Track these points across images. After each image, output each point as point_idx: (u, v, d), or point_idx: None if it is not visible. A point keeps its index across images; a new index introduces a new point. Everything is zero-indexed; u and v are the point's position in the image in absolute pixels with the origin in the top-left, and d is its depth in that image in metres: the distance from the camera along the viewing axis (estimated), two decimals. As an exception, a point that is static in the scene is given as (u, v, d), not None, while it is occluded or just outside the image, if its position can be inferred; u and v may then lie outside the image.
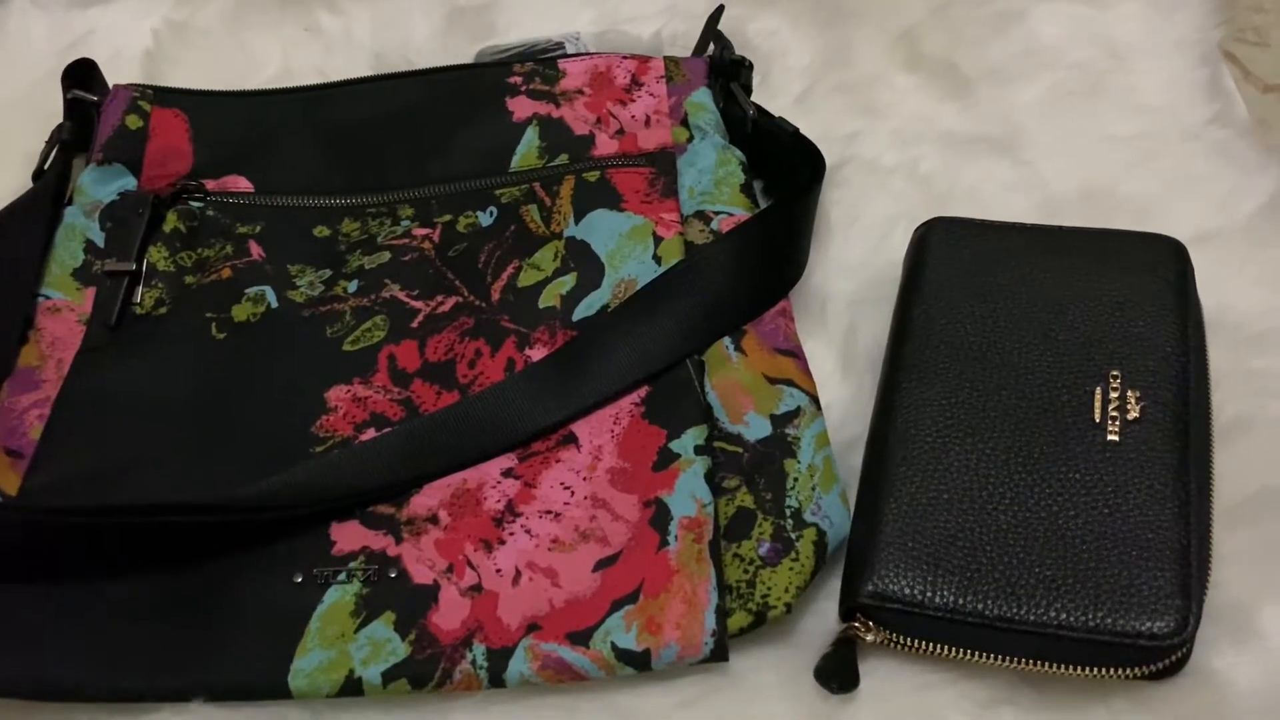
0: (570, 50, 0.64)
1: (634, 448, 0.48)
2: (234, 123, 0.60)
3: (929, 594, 0.42)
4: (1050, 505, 0.43)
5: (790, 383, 0.49)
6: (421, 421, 0.49)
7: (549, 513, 0.47)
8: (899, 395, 0.47)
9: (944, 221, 0.52)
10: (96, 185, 0.57)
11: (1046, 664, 0.42)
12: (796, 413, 0.48)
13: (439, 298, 0.53)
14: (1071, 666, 0.42)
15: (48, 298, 0.54)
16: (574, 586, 0.45)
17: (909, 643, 0.43)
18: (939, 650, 0.43)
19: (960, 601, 0.42)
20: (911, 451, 0.45)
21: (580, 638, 0.43)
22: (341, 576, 0.45)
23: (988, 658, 0.42)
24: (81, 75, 0.61)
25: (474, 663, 0.43)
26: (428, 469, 0.48)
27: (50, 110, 0.61)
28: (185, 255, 0.56)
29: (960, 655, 0.43)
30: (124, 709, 0.44)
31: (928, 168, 0.60)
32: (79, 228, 0.56)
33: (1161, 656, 0.41)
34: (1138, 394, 0.45)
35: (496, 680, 0.43)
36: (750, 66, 0.60)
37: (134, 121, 0.59)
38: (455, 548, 0.46)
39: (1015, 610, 0.41)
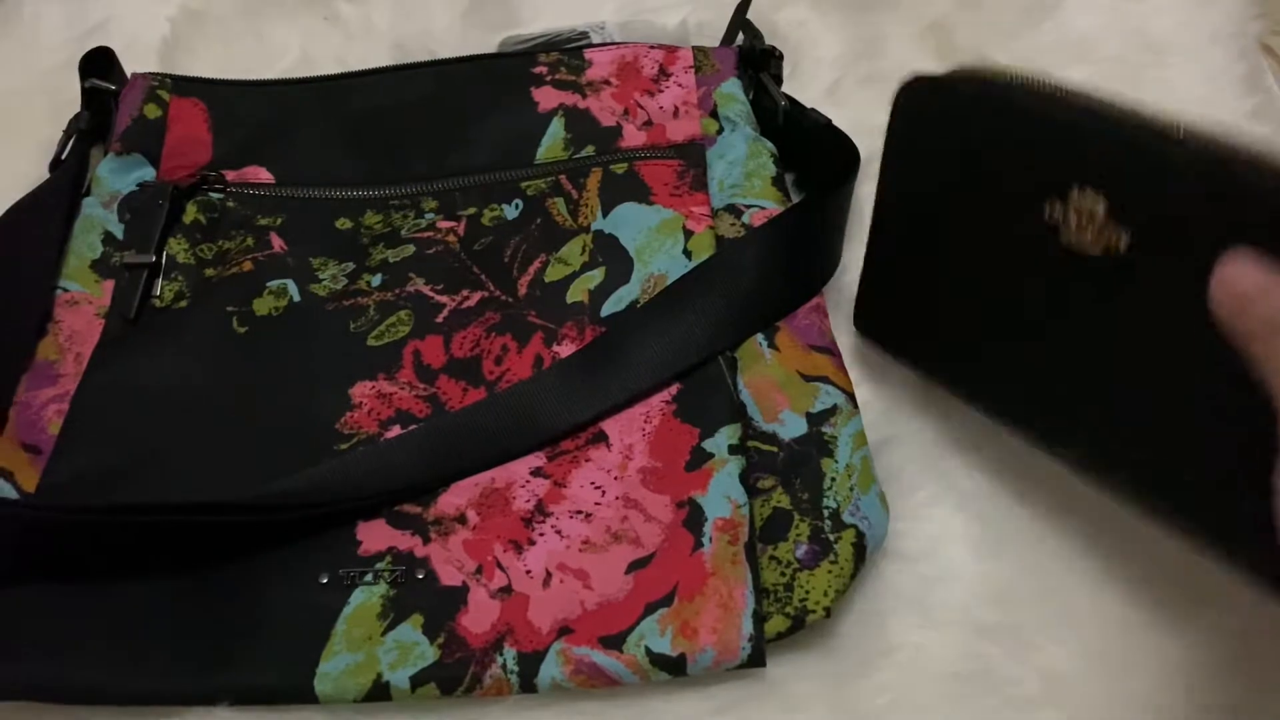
0: (595, 40, 0.63)
1: (666, 447, 0.47)
2: (254, 113, 0.59)
3: None
4: None
5: (826, 380, 0.48)
6: (448, 419, 0.48)
7: (580, 513, 0.45)
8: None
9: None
10: (115, 176, 0.56)
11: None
12: (833, 410, 0.47)
13: (464, 292, 0.52)
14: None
15: (66, 290, 0.52)
16: (606, 589, 0.44)
17: None
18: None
19: None
20: None
21: (613, 641, 0.42)
22: (368, 577, 0.44)
23: None
24: (99, 64, 0.60)
25: (505, 667, 0.42)
26: (455, 467, 0.47)
27: (67, 99, 0.59)
28: (205, 247, 0.55)
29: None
30: (148, 712, 0.43)
31: (961, 161, 0.58)
32: (97, 219, 0.55)
33: None
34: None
35: (528, 685, 0.42)
36: (781, 57, 0.59)
37: (152, 111, 0.58)
38: (484, 548, 0.45)
39: None
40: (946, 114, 0.42)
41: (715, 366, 0.48)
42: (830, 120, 0.56)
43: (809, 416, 0.47)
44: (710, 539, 0.44)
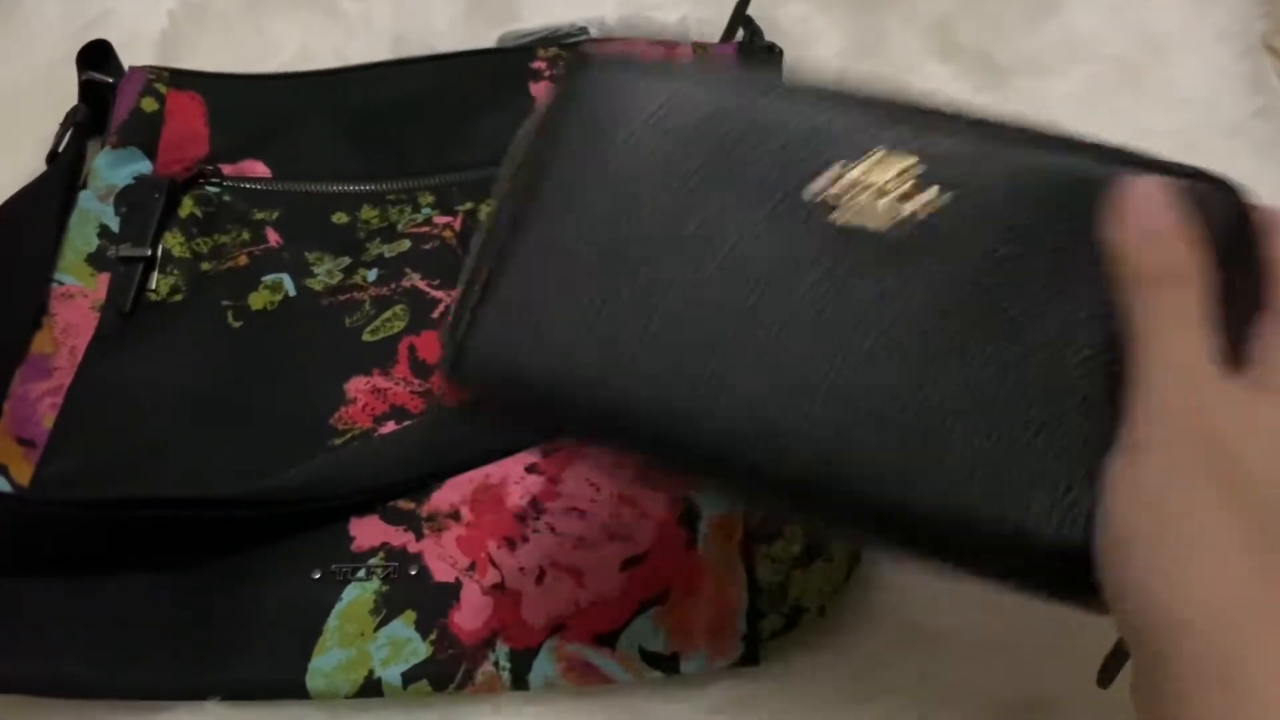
0: (595, 35, 0.62)
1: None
2: (251, 107, 0.58)
3: None
4: None
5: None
6: (442, 415, 0.48)
7: (574, 510, 0.45)
8: None
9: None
10: (111, 169, 0.56)
11: None
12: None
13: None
14: None
15: (61, 283, 0.52)
16: (600, 586, 0.43)
17: None
18: None
19: None
20: None
21: (607, 639, 0.42)
22: (361, 573, 0.44)
23: None
24: (97, 57, 0.59)
25: (497, 664, 0.42)
26: (449, 464, 0.47)
27: (65, 92, 0.59)
28: (201, 241, 0.54)
29: None
30: (139, 707, 0.43)
31: (962, 160, 0.58)
32: (93, 212, 0.54)
33: None
34: None
35: (520, 682, 0.42)
36: (780, 54, 0.59)
37: (150, 104, 0.58)
38: (477, 545, 0.45)
39: None
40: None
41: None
42: (830, 117, 0.56)
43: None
44: (705, 537, 0.44)
